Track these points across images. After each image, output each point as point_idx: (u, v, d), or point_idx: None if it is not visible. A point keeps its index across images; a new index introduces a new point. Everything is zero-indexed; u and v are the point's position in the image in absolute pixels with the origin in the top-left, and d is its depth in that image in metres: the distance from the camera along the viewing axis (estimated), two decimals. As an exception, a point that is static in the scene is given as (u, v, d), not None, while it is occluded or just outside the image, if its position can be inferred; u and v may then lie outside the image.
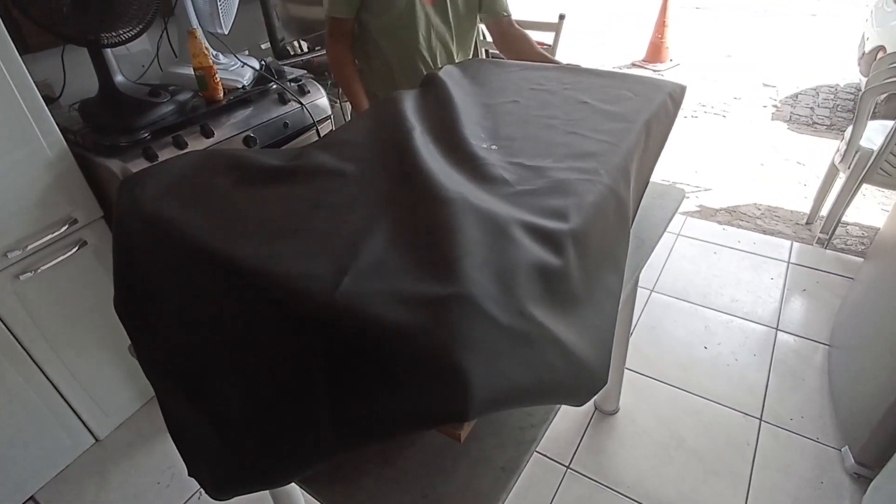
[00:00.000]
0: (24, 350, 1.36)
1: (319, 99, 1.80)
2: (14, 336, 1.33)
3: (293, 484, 0.70)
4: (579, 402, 0.68)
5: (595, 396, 0.71)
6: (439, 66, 1.56)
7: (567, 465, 1.54)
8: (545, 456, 1.56)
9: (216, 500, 0.70)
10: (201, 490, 1.50)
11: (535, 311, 0.60)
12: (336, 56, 1.56)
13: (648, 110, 1.01)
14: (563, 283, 0.68)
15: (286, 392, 0.62)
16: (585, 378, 0.68)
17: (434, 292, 0.56)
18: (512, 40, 1.62)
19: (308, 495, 0.72)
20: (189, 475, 0.74)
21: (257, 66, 1.74)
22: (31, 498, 1.50)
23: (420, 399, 0.52)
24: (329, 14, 1.51)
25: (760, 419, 1.63)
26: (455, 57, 1.64)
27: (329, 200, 0.77)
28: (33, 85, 1.24)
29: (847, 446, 1.50)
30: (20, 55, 1.21)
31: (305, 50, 2.05)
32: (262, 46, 2.11)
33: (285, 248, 0.66)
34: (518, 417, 0.76)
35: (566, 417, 1.67)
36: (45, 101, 1.31)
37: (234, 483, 0.68)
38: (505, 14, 1.61)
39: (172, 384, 0.74)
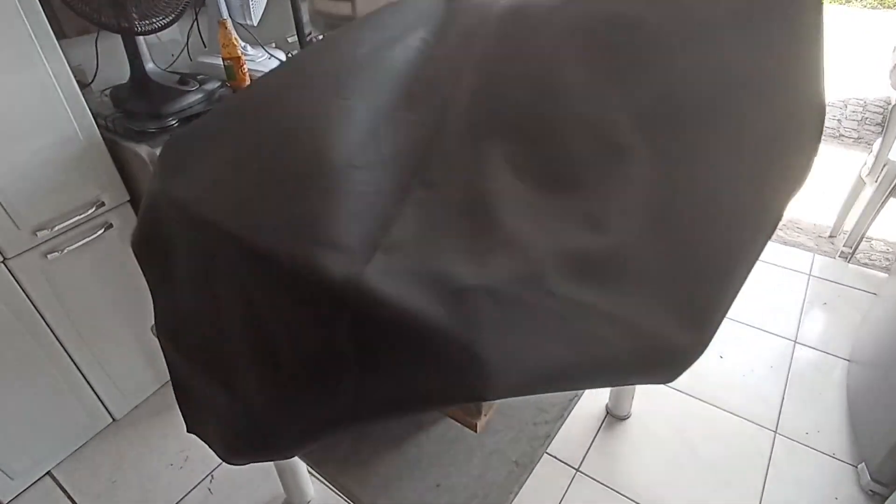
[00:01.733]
0: (49, 327, 1.40)
1: (343, 93, 1.82)
2: (40, 313, 1.37)
3: (305, 470, 0.71)
4: (665, 377, 0.61)
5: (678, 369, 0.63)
6: None
7: (577, 467, 1.53)
8: (555, 457, 1.56)
9: (228, 463, 0.71)
10: (212, 475, 1.52)
11: (569, 288, 0.57)
12: None
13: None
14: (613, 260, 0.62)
15: (307, 360, 0.61)
16: (661, 348, 0.61)
17: (462, 282, 0.56)
18: None
19: (322, 482, 0.73)
20: (188, 431, 0.74)
21: (283, 58, 1.77)
22: (49, 473, 1.53)
23: (440, 380, 0.53)
24: None
25: (775, 432, 1.61)
26: None
27: (367, 158, 0.68)
28: (69, 70, 1.27)
29: (864, 463, 1.47)
30: (58, 40, 1.24)
31: (331, 45, 2.07)
32: (289, 40, 2.13)
33: (311, 218, 0.63)
34: (532, 413, 0.77)
35: (578, 420, 1.66)
36: (79, 85, 1.34)
37: (243, 446, 0.67)
38: None
39: (183, 345, 0.75)
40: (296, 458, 0.71)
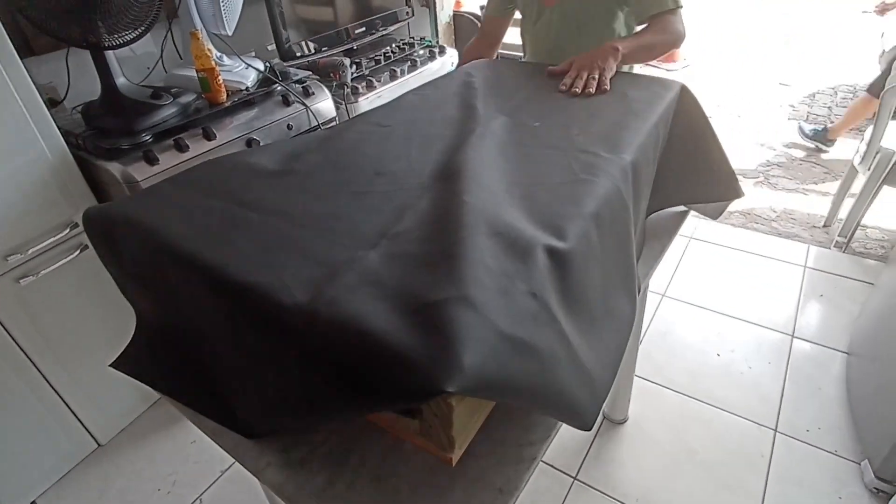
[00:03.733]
0: (25, 355, 1.36)
1: (324, 101, 1.78)
2: (14, 340, 1.33)
3: None
4: (580, 419, 0.64)
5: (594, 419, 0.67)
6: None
7: (574, 476, 1.50)
8: (552, 466, 1.52)
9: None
10: (201, 499, 1.49)
11: (546, 297, 0.59)
12: (467, 51, 1.58)
13: (657, 111, 0.97)
14: (574, 292, 0.66)
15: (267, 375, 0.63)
16: (588, 389, 0.65)
17: (431, 298, 0.54)
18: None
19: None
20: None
21: (262, 67, 1.73)
22: (33, 503, 1.49)
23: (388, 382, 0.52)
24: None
25: (775, 430, 1.58)
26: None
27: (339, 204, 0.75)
28: (34, 88, 1.23)
29: (867, 460, 1.44)
30: (24, 58, 1.20)
31: (312, 51, 2.03)
32: (269, 48, 2.09)
33: (274, 258, 0.64)
34: (518, 434, 0.73)
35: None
36: (49, 103, 1.30)
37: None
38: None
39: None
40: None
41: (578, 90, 1.06)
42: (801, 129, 3.18)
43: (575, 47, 1.32)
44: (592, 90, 1.06)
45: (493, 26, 1.56)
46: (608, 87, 1.07)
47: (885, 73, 2.71)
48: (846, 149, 3.05)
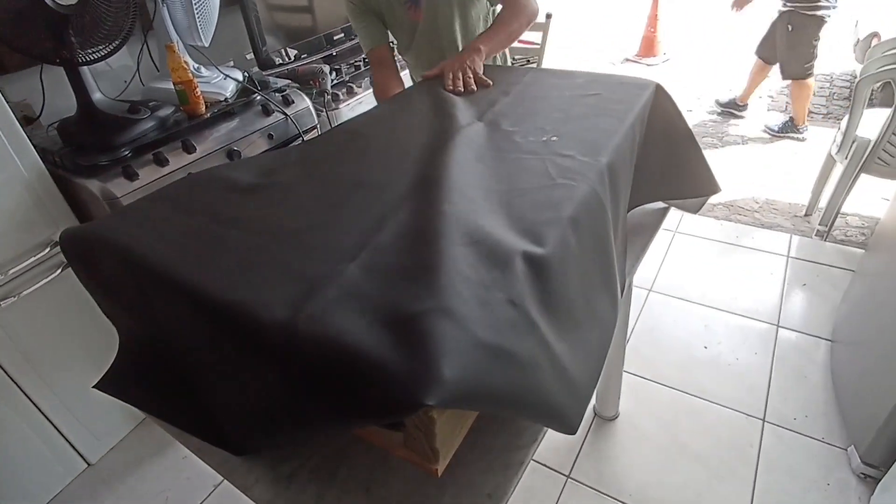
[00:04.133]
0: (9, 376, 1.34)
1: (304, 109, 1.77)
2: (-2, 363, 1.31)
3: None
4: (564, 424, 0.65)
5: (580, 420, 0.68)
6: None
7: (567, 474, 1.51)
8: (544, 465, 1.53)
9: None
10: (194, 513, 1.48)
11: (527, 305, 0.60)
12: (377, 86, 1.57)
13: (633, 112, 0.98)
14: (554, 297, 0.66)
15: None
16: (571, 394, 0.66)
17: (412, 308, 0.54)
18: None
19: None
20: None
21: (240, 77, 1.72)
22: (24, 525, 1.47)
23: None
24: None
25: (763, 420, 1.60)
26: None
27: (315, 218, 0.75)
28: (6, 106, 1.21)
29: (853, 445, 1.46)
30: (-5, 76, 1.19)
31: (292, 58, 2.02)
32: (248, 57, 2.08)
33: (253, 276, 0.64)
34: (505, 439, 0.73)
35: (566, 424, 1.64)
36: (24, 121, 1.29)
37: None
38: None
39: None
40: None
41: (462, 89, 1.16)
42: (716, 102, 3.57)
43: (456, 49, 1.49)
44: (474, 88, 1.16)
45: (382, 55, 1.53)
46: (490, 83, 1.19)
47: (770, 36, 3.02)
48: (824, 138, 3.09)
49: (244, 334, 0.59)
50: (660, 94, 1.08)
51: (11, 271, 1.28)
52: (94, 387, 0.85)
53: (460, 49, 1.47)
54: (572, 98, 1.06)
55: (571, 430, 0.66)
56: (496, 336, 0.55)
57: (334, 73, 2.04)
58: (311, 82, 1.97)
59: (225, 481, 1.57)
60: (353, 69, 2.15)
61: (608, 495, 1.45)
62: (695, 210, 1.26)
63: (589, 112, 0.99)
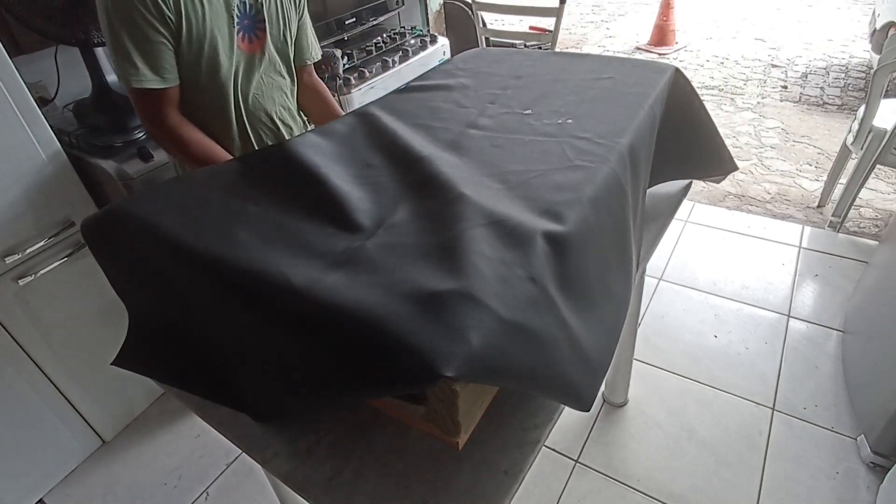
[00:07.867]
0: (27, 354, 1.36)
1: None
2: (16, 341, 1.33)
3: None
4: (579, 401, 0.66)
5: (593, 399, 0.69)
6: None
7: (576, 459, 1.52)
8: (553, 450, 1.54)
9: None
10: (207, 492, 1.50)
11: (546, 283, 0.60)
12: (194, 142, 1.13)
13: (651, 95, 0.97)
14: (572, 276, 0.66)
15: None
16: (586, 371, 0.66)
17: (433, 286, 0.55)
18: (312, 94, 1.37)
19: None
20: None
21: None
22: (40, 501, 1.50)
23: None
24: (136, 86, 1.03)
25: (773, 408, 1.60)
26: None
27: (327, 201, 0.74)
28: (25, 87, 1.22)
29: (863, 435, 1.47)
30: (13, 56, 1.19)
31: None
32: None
33: (276, 250, 0.64)
34: (521, 418, 0.74)
35: (574, 411, 1.65)
36: (39, 102, 1.29)
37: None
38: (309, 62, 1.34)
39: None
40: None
41: None
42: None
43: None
44: None
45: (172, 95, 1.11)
46: None
47: None
48: (838, 129, 3.06)
49: (266, 303, 0.59)
50: (678, 77, 1.08)
51: (29, 250, 1.29)
52: (112, 363, 0.86)
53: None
54: (586, 81, 1.06)
55: (586, 408, 0.67)
56: (516, 312, 0.55)
57: (346, 58, 2.04)
58: (322, 67, 1.97)
59: (238, 458, 1.60)
60: (365, 54, 2.14)
61: (616, 480, 1.46)
62: (720, 180, 1.35)
63: (604, 95, 0.99)
